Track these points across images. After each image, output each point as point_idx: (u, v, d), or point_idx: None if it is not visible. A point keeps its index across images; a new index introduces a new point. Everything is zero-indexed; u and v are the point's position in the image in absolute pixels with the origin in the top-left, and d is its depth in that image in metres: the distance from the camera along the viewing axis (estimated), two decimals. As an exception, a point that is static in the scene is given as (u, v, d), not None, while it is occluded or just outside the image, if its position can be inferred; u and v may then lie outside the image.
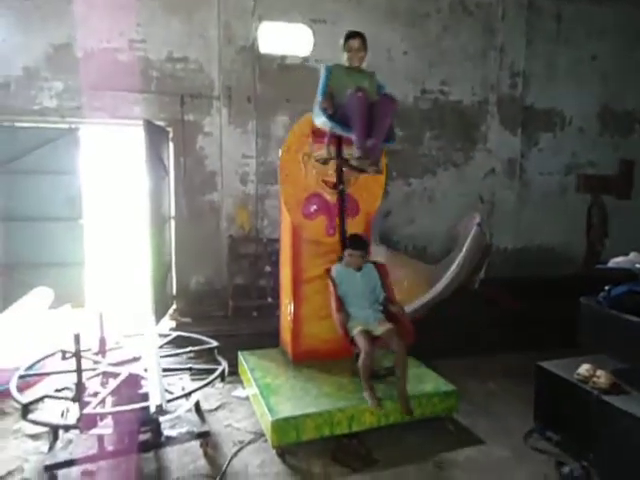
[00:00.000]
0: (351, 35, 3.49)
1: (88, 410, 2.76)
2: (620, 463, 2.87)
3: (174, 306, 5.76)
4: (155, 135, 5.23)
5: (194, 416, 3.46)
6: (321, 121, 3.50)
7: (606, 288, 3.24)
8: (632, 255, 3.46)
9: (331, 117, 3.40)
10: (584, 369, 3.13)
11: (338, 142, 3.61)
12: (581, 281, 4.52)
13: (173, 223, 5.81)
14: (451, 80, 6.46)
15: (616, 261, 3.47)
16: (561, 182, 7.05)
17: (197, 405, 3.50)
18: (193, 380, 3.63)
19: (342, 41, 3.51)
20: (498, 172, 6.73)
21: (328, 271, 3.66)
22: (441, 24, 6.33)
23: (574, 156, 7.07)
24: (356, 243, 3.62)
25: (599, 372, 3.05)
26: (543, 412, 3.43)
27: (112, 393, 3.01)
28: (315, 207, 3.84)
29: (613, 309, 3.12)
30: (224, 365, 3.46)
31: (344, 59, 3.52)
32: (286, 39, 5.82)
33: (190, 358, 4.18)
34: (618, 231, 6.58)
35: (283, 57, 5.84)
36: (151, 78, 5.51)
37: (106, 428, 2.99)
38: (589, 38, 6.84)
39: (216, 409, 3.80)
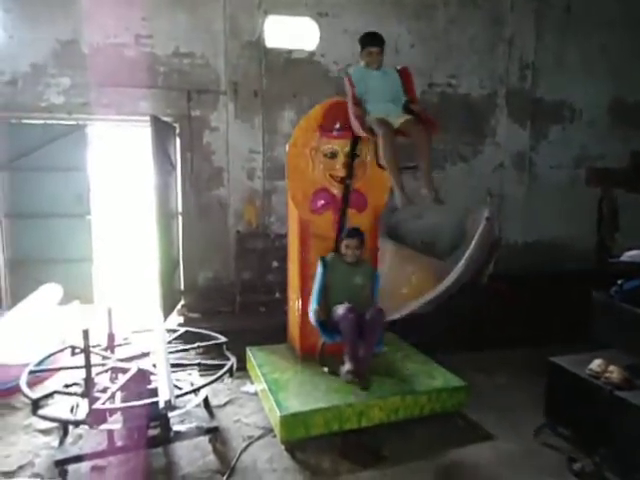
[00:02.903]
0: (350, 234, 3.65)
1: (97, 405, 2.77)
2: (632, 459, 2.83)
3: (182, 302, 5.76)
4: (162, 131, 5.22)
5: (203, 411, 3.46)
6: (312, 321, 3.61)
7: (619, 282, 3.19)
8: (646, 249, 3.41)
9: (323, 326, 3.54)
10: (596, 364, 3.09)
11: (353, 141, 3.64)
12: (592, 275, 4.47)
13: (180, 219, 5.81)
14: (459, 73, 6.38)
15: (630, 255, 3.42)
16: (571, 175, 6.96)
17: (206, 400, 3.51)
18: (202, 375, 3.64)
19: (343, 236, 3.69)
20: (507, 166, 6.66)
21: (348, 77, 3.53)
22: (449, 16, 6.26)
23: (584, 149, 6.98)
24: (373, 39, 3.55)
25: (611, 367, 3.01)
26: (554, 407, 3.39)
27: (121, 389, 3.02)
28: (322, 202, 3.82)
29: (626, 303, 3.08)
30: (233, 360, 3.46)
31: (342, 250, 3.66)
32: (292, 33, 5.77)
33: (199, 354, 4.19)
34: (629, 225, 6.49)
35: (289, 51, 5.80)
36: (158, 73, 5.49)
37: (115, 423, 3.00)
38: (599, 29, 6.73)
39: (225, 404, 3.81)
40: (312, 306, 3.60)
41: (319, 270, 3.64)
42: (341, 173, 3.78)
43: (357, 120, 3.35)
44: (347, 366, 3.44)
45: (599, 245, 6.60)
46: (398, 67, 3.62)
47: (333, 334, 3.52)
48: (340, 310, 3.39)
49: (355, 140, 3.69)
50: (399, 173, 3.26)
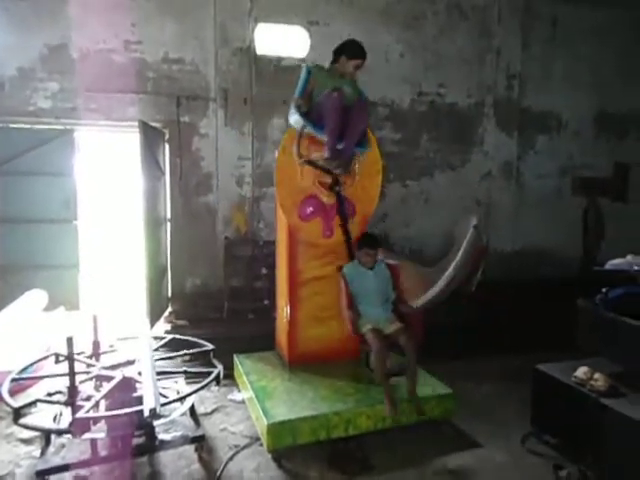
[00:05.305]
0: (363, 55, 3.54)
1: (81, 414, 2.73)
2: (618, 466, 2.85)
3: (169, 308, 5.72)
4: (151, 136, 5.19)
5: (189, 420, 3.42)
6: (294, 119, 3.52)
7: (603, 290, 3.23)
8: (629, 257, 3.45)
9: (304, 115, 3.43)
10: (582, 372, 3.11)
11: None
12: (577, 283, 4.51)
13: (169, 225, 5.77)
14: (447, 82, 6.46)
15: (614, 263, 3.46)
16: (557, 185, 7.06)
17: (192, 409, 3.46)
18: (188, 383, 3.59)
19: (343, 49, 3.53)
20: (494, 174, 6.73)
21: (340, 268, 3.68)
22: (437, 26, 6.34)
23: (570, 159, 7.08)
24: (371, 242, 3.67)
25: (597, 375, 3.03)
26: (540, 415, 3.41)
27: (105, 397, 2.97)
28: (311, 209, 3.82)
29: (611, 311, 3.11)
30: (219, 368, 3.42)
31: (337, 65, 3.56)
32: (283, 41, 5.80)
33: (185, 361, 4.16)
34: (614, 233, 6.58)
35: (279, 59, 5.82)
36: (147, 79, 5.48)
37: (99, 432, 2.95)
38: (585, 41, 6.86)
39: (211, 413, 3.77)
40: (294, 97, 3.53)
41: (303, 73, 3.55)
42: (329, 180, 3.78)
43: (350, 325, 3.50)
44: (326, 154, 3.47)
45: (584, 253, 6.68)
46: (387, 262, 3.76)
47: (316, 125, 3.46)
48: (325, 91, 3.37)
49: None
50: (388, 383, 3.35)
